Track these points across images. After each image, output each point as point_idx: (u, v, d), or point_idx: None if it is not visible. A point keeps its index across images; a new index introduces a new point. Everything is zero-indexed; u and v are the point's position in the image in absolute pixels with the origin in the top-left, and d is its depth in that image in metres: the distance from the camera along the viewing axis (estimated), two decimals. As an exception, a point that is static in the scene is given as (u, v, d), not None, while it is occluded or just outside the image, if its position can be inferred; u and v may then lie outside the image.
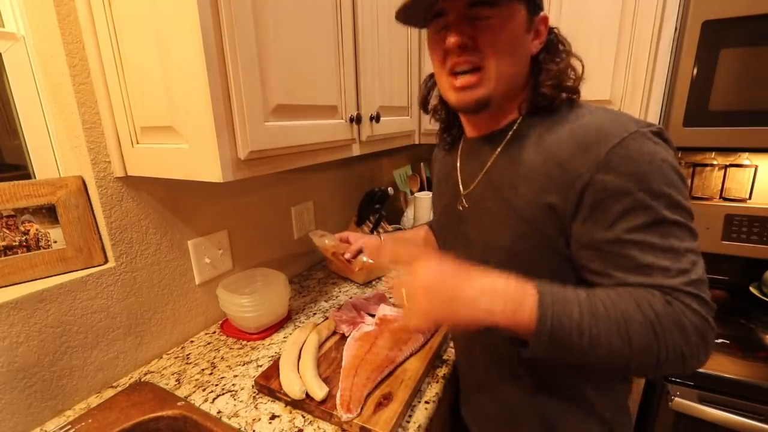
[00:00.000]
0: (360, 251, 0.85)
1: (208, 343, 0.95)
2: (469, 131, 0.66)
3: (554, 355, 0.47)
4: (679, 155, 1.38)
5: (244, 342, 0.95)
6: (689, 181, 1.38)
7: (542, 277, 0.49)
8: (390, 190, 1.34)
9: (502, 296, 0.47)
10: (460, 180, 0.67)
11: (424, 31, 0.61)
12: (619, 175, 0.47)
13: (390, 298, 1.12)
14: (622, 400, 0.66)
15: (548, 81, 0.55)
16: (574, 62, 0.56)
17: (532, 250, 0.55)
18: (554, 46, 0.57)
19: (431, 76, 0.68)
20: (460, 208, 0.65)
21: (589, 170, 0.48)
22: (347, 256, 0.85)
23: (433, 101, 0.70)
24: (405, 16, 0.56)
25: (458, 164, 0.68)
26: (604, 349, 0.46)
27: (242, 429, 0.68)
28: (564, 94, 0.55)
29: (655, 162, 0.47)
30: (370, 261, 0.84)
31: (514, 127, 0.58)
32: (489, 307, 0.47)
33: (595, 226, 0.49)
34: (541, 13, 0.55)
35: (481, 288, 0.48)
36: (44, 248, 0.73)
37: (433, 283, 0.50)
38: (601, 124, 0.50)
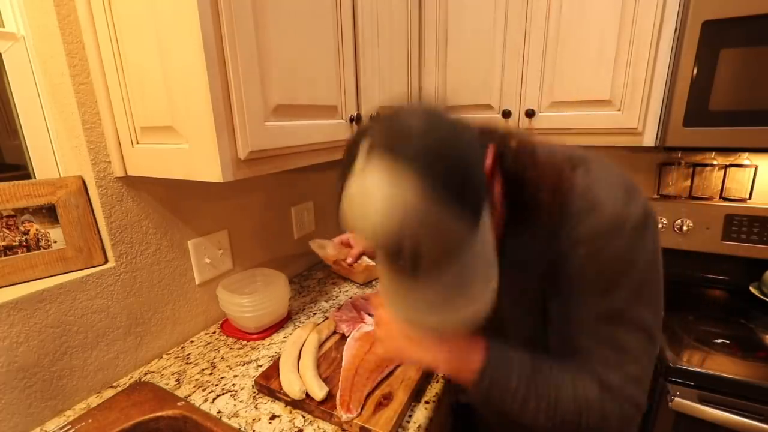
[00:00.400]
0: (362, 254, 0.85)
1: (208, 343, 0.95)
2: None
3: (488, 403, 0.54)
4: (679, 155, 1.38)
5: (244, 342, 0.95)
6: (689, 182, 1.39)
7: (527, 331, 0.57)
8: (390, 190, 1.34)
9: (449, 350, 0.53)
10: None
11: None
12: (585, 271, 0.49)
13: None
14: None
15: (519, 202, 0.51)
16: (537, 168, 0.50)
17: (526, 315, 0.59)
18: (513, 175, 0.50)
19: None
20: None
21: (565, 248, 0.49)
22: (349, 260, 0.85)
23: None
24: None
25: None
26: (531, 416, 0.51)
27: (242, 429, 0.68)
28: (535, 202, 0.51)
29: (621, 262, 0.47)
30: (372, 263, 0.84)
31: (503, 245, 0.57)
32: (436, 351, 0.53)
33: (560, 299, 0.52)
34: (487, 163, 0.46)
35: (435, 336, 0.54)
36: (44, 248, 0.73)
37: (394, 321, 0.56)
38: (577, 210, 0.48)
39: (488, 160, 0.46)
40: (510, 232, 0.54)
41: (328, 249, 0.88)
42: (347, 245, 0.89)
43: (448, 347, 0.53)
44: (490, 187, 0.48)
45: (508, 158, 0.50)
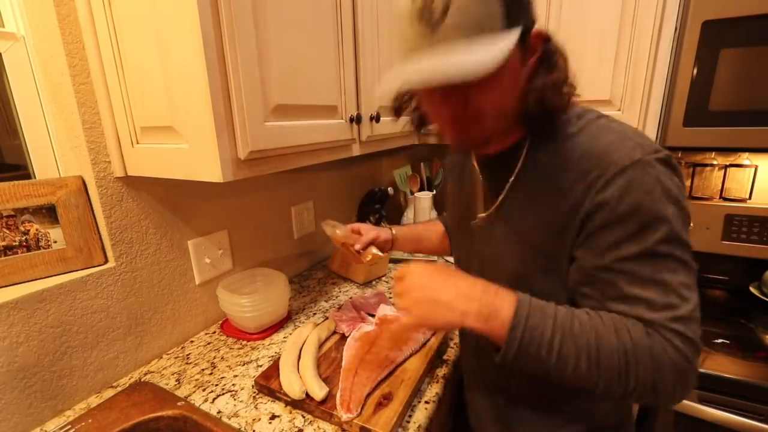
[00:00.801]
0: (371, 243, 0.86)
1: (208, 343, 0.95)
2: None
3: (524, 365, 0.49)
4: (679, 155, 1.38)
5: (244, 342, 0.95)
6: (689, 182, 1.39)
7: (545, 298, 0.51)
8: (390, 190, 1.34)
9: (478, 301, 0.49)
10: (474, 201, 0.67)
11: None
12: (616, 205, 0.47)
13: (390, 297, 1.12)
14: (627, 411, 0.67)
15: (531, 98, 0.51)
16: (570, 74, 0.53)
17: (537, 273, 0.56)
18: (548, 59, 0.52)
19: None
20: (474, 228, 0.66)
21: (589, 199, 0.48)
22: (357, 247, 0.85)
23: (413, 111, 0.66)
24: None
25: (473, 183, 0.68)
26: (571, 368, 0.47)
27: (242, 429, 0.68)
28: (549, 111, 0.52)
29: (655, 193, 0.46)
30: (380, 254, 0.85)
31: (524, 155, 0.57)
32: (465, 309, 0.49)
33: (588, 253, 0.50)
34: (534, 30, 0.50)
35: (459, 291, 0.50)
36: (44, 248, 0.73)
37: (418, 284, 0.53)
38: (605, 149, 0.49)
39: (538, 28, 0.49)
40: (531, 148, 0.55)
41: (338, 230, 0.89)
42: (357, 233, 0.89)
43: (477, 298, 0.49)
44: (530, 40, 0.49)
45: (551, 51, 0.52)
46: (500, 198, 0.60)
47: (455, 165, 0.76)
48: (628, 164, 0.47)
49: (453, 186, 0.77)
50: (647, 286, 0.46)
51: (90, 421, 0.69)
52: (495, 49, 0.43)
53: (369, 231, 0.88)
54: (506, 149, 0.59)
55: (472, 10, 0.43)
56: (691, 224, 1.34)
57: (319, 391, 0.70)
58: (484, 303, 0.49)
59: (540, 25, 0.51)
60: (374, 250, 0.85)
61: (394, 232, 0.92)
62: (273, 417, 0.71)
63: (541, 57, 0.51)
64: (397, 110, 0.67)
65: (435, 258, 1.37)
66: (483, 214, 0.64)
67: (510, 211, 0.59)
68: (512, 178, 0.58)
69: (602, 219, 0.48)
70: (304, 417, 0.70)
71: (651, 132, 1.14)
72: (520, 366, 0.49)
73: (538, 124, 0.54)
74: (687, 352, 0.45)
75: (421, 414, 0.72)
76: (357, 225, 0.90)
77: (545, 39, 0.51)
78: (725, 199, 1.34)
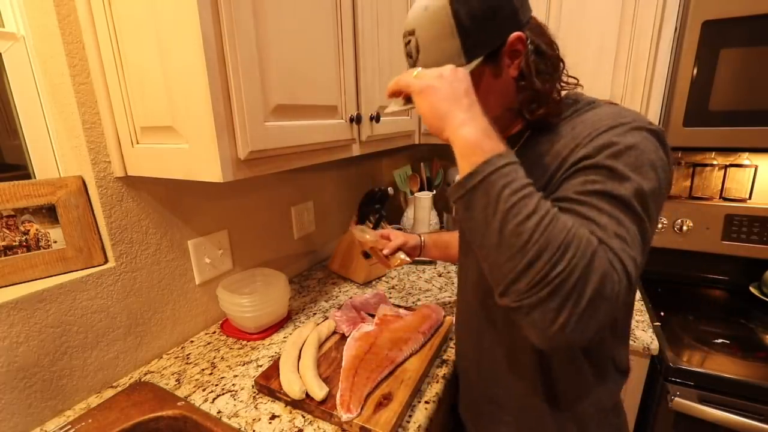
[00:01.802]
0: (399, 248, 0.87)
1: (208, 343, 0.95)
2: None
3: (479, 196, 0.44)
4: (679, 155, 1.38)
5: (244, 342, 0.95)
6: (689, 182, 1.39)
7: None
8: (390, 190, 1.34)
9: (480, 116, 0.48)
10: None
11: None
12: (593, 149, 0.48)
13: (390, 298, 1.12)
14: (621, 413, 0.67)
15: (525, 106, 0.55)
16: (562, 69, 0.56)
17: None
18: (534, 63, 0.54)
19: None
20: None
21: (573, 155, 0.50)
22: (386, 251, 0.88)
23: None
24: None
25: None
26: (518, 220, 0.42)
27: (242, 429, 0.68)
28: (549, 113, 0.55)
29: (634, 150, 0.46)
30: (408, 259, 0.87)
31: (523, 139, 0.59)
32: (466, 115, 0.47)
33: (561, 189, 0.50)
34: (511, 38, 0.52)
35: (470, 113, 0.47)
36: (44, 248, 0.73)
37: (441, 86, 0.49)
38: (597, 122, 0.51)
39: (517, 33, 0.52)
40: (530, 136, 0.58)
41: (368, 235, 0.92)
42: (387, 239, 0.92)
43: (479, 114, 0.48)
44: (501, 55, 0.53)
45: (536, 53, 0.54)
46: None
47: None
48: (615, 125, 0.48)
49: None
50: (604, 215, 0.44)
51: (90, 421, 0.69)
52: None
53: (398, 237, 0.90)
54: (507, 139, 0.60)
55: (432, 57, 0.54)
56: (687, 215, 1.34)
57: (319, 391, 0.70)
58: (480, 127, 0.46)
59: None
60: (402, 255, 0.87)
61: (423, 238, 0.94)
62: (273, 417, 0.71)
63: (528, 61, 0.54)
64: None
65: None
66: None
67: None
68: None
69: (579, 166, 0.48)
70: (304, 417, 0.70)
71: (651, 132, 1.14)
72: (473, 199, 0.45)
73: (535, 124, 0.57)
74: (618, 274, 0.42)
75: (421, 414, 0.72)
76: (387, 231, 0.93)
77: (525, 41, 0.53)
78: (725, 199, 1.34)
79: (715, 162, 1.34)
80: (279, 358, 0.81)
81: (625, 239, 0.44)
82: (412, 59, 0.57)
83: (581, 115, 0.55)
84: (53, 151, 0.79)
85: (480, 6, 0.50)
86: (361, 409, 0.68)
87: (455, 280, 1.26)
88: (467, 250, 0.73)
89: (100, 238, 0.78)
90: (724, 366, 0.97)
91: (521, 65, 0.54)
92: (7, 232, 0.69)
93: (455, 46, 0.52)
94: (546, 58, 0.55)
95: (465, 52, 0.52)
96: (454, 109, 0.47)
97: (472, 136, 0.46)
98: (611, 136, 0.48)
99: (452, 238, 0.97)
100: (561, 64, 0.57)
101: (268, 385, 0.75)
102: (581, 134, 0.51)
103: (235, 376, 0.82)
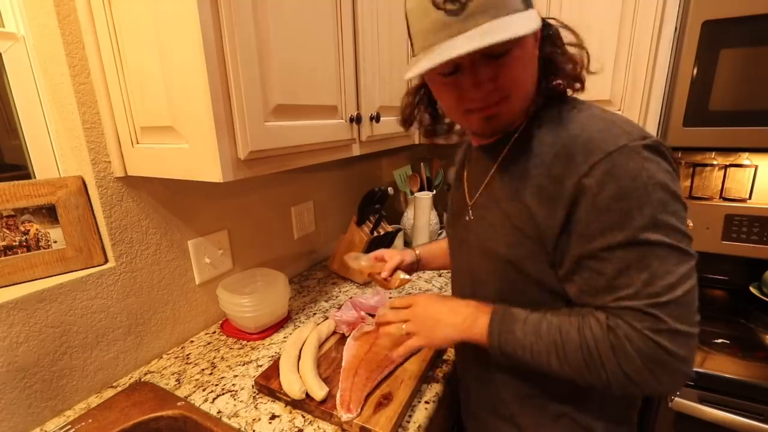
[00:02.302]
0: (397, 268, 0.85)
1: (208, 343, 0.95)
2: (476, 141, 0.66)
3: (513, 363, 0.56)
4: (679, 155, 1.38)
5: (244, 342, 0.95)
6: (689, 182, 1.39)
7: (533, 284, 0.56)
8: (390, 190, 1.34)
9: (463, 314, 0.60)
10: (466, 192, 0.68)
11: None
12: (599, 191, 0.47)
13: (390, 298, 1.12)
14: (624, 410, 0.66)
15: (559, 72, 0.55)
16: (578, 51, 0.56)
17: (525, 258, 0.56)
18: (558, 37, 0.56)
19: (418, 89, 0.67)
20: (467, 219, 0.66)
21: (574, 185, 0.48)
22: (384, 274, 0.84)
23: (425, 117, 0.69)
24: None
25: (465, 176, 0.69)
26: (546, 364, 0.52)
27: (242, 429, 0.68)
28: (577, 84, 0.55)
29: (639, 180, 0.46)
30: (408, 278, 0.83)
31: (514, 137, 0.58)
32: (453, 322, 0.61)
33: (575, 241, 0.50)
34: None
35: (449, 308, 0.63)
36: (44, 248, 0.73)
37: (422, 311, 0.66)
38: (591, 135, 0.49)
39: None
40: (523, 133, 0.57)
41: (362, 261, 0.88)
42: (381, 260, 0.88)
43: (462, 312, 0.61)
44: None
45: (551, 40, 0.55)
46: (487, 178, 0.61)
47: (459, 160, 0.76)
48: (613, 150, 0.47)
49: (453, 182, 0.77)
50: (631, 275, 0.46)
51: (90, 421, 0.69)
52: (527, 19, 0.45)
53: (393, 257, 0.87)
54: (503, 137, 0.60)
55: None
56: (688, 216, 1.34)
57: (319, 391, 0.70)
58: (467, 315, 0.60)
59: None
60: (402, 275, 0.84)
61: (417, 252, 0.91)
62: (273, 417, 0.71)
63: (548, 38, 0.55)
64: (406, 121, 0.69)
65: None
66: (472, 201, 0.65)
67: (499, 195, 0.59)
68: (499, 159, 0.59)
69: (587, 205, 0.48)
70: (304, 417, 0.70)
71: (651, 131, 1.14)
72: (513, 363, 0.56)
73: (548, 100, 0.56)
74: (656, 337, 0.45)
75: (421, 414, 0.72)
76: (380, 252, 0.90)
77: (547, 21, 0.55)
78: (725, 199, 1.33)
79: (715, 162, 1.34)
80: (279, 358, 0.81)
81: (658, 293, 0.46)
82: (453, 5, 0.45)
83: (574, 122, 0.53)
84: (53, 151, 0.79)
85: None
86: (361, 409, 0.68)
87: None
88: (454, 241, 0.73)
89: (100, 238, 0.78)
90: (724, 366, 0.97)
91: (538, 41, 0.54)
92: (7, 232, 0.69)
93: None
94: (562, 42, 0.56)
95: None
96: (445, 328, 0.62)
97: (466, 330, 0.60)
98: (612, 166, 0.46)
99: (446, 244, 0.95)
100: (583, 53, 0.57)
101: (268, 385, 0.75)
102: (580, 153, 0.49)
103: (235, 376, 0.82)
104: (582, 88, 0.56)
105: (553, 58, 0.55)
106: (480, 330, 0.57)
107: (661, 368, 0.46)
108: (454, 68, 0.51)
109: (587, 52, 0.56)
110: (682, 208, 0.47)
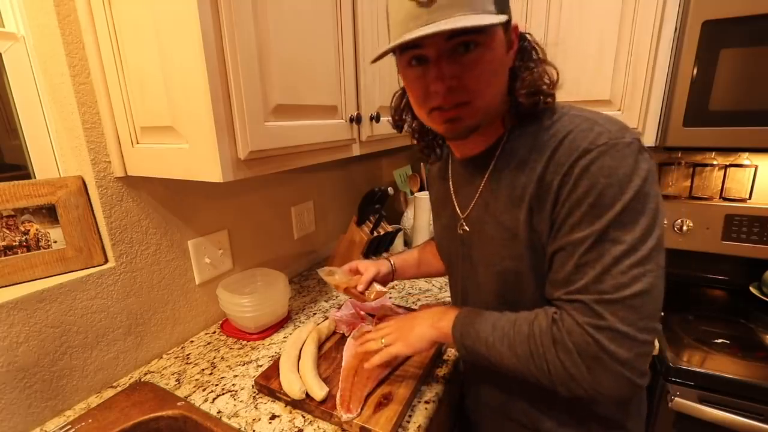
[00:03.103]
0: (372, 281, 0.84)
1: (208, 343, 0.95)
2: (458, 153, 0.66)
3: (475, 358, 0.58)
4: (679, 155, 1.39)
5: (244, 342, 0.95)
6: (689, 182, 1.39)
7: (536, 289, 0.56)
8: (390, 190, 1.34)
9: (435, 312, 0.67)
10: (456, 205, 0.67)
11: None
12: (574, 188, 0.48)
13: (390, 298, 1.12)
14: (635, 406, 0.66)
15: (523, 90, 0.54)
16: (549, 69, 0.55)
17: (528, 267, 0.56)
18: (528, 52, 0.56)
19: (403, 92, 0.66)
20: (461, 232, 0.66)
21: (557, 184, 0.50)
22: (360, 288, 0.83)
23: (410, 120, 0.68)
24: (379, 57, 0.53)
25: (452, 189, 0.69)
26: (499, 357, 0.54)
27: (242, 429, 0.68)
28: (541, 99, 0.54)
29: (614, 177, 0.46)
30: (384, 289, 0.82)
31: (501, 147, 0.58)
32: (424, 317, 0.67)
33: (552, 236, 0.52)
34: (512, 23, 0.53)
35: (421, 315, 0.69)
36: (44, 248, 0.73)
37: (396, 323, 0.73)
38: (574, 136, 0.50)
39: (514, 23, 0.53)
40: (508, 142, 0.58)
41: (337, 276, 0.86)
42: (356, 272, 0.87)
43: (431, 314, 0.67)
44: (511, 32, 0.53)
45: (529, 47, 0.56)
46: (479, 191, 0.61)
47: (439, 172, 0.75)
48: (592, 148, 0.47)
49: (437, 194, 0.76)
50: (587, 270, 0.47)
51: (90, 421, 0.69)
52: (497, 20, 0.46)
53: (368, 268, 0.85)
54: (485, 149, 0.60)
55: None
56: (686, 215, 1.33)
57: (319, 391, 0.70)
58: (437, 311, 0.66)
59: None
60: (378, 287, 0.83)
61: (392, 262, 0.90)
62: (273, 417, 0.71)
63: (520, 52, 0.55)
64: (397, 124, 0.70)
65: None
66: (465, 214, 0.65)
67: (494, 207, 0.59)
68: (488, 171, 0.59)
69: (563, 201, 0.49)
70: (304, 417, 0.70)
71: (651, 132, 1.14)
72: (474, 361, 0.59)
73: (524, 115, 0.56)
74: (599, 336, 0.45)
75: (421, 414, 0.72)
76: (354, 263, 0.88)
77: (520, 35, 0.55)
78: (725, 199, 1.34)
79: (715, 162, 1.34)
80: (279, 358, 0.81)
81: (606, 291, 0.47)
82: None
83: (557, 124, 0.54)
84: (53, 151, 0.79)
85: None
86: (361, 409, 0.68)
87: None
88: (449, 252, 0.73)
89: (100, 238, 0.78)
90: (724, 366, 0.97)
91: (515, 54, 0.55)
92: (7, 232, 0.69)
93: None
94: (534, 57, 0.56)
95: (495, 3, 0.48)
96: (419, 329, 0.67)
97: (435, 328, 0.65)
98: (589, 163, 0.47)
99: (422, 253, 0.94)
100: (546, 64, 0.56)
101: (268, 385, 0.75)
102: (563, 154, 0.50)
103: (235, 376, 0.82)
104: (553, 102, 0.56)
105: (526, 70, 0.55)
106: (447, 323, 0.62)
107: (598, 366, 0.46)
108: (419, 59, 0.51)
109: (556, 70, 0.55)
110: (654, 209, 0.47)
